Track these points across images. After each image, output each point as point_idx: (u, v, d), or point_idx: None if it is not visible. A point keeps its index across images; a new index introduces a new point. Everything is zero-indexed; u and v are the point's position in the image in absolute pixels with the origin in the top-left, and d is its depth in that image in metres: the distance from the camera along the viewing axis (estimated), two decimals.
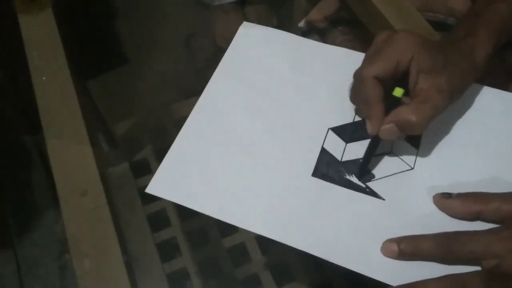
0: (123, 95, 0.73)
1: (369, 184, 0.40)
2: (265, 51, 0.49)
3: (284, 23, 0.88)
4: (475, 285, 0.33)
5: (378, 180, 0.40)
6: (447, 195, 0.38)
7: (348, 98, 0.44)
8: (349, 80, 0.44)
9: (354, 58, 0.46)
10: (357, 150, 0.42)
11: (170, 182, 0.40)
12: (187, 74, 0.77)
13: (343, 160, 0.42)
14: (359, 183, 0.40)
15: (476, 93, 0.45)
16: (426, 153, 0.42)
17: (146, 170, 0.70)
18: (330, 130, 0.43)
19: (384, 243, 0.37)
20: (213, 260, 0.62)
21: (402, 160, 0.41)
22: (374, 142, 0.40)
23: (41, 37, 0.51)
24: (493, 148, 0.42)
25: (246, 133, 0.43)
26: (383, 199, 0.39)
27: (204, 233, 0.64)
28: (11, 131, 0.87)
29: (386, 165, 0.41)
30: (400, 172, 0.41)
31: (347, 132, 0.43)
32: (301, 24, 0.70)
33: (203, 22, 0.79)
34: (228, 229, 0.64)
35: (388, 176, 0.40)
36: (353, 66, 0.42)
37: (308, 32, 0.75)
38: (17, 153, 0.91)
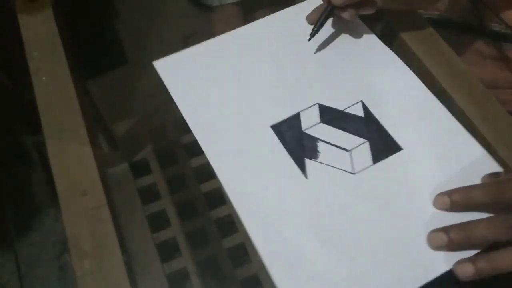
0: (123, 95, 0.73)
1: (307, 161, 0.41)
2: (193, 70, 0.48)
3: None
4: None
5: (317, 162, 0.41)
6: (496, 174, 0.38)
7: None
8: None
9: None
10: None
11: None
12: None
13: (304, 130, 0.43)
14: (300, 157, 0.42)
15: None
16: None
17: (146, 170, 0.70)
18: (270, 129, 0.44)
19: (436, 196, 0.38)
20: (213, 260, 0.62)
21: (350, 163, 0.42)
22: (327, 9, 0.46)
23: (41, 37, 0.51)
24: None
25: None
26: (306, 178, 0.41)
27: (204, 233, 0.64)
28: (11, 131, 0.87)
29: (333, 156, 0.42)
30: (340, 169, 0.41)
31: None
32: None
33: (203, 23, 0.79)
34: (228, 229, 0.64)
35: (328, 165, 0.41)
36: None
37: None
38: (17, 153, 0.91)
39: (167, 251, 0.63)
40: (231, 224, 0.64)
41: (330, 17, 0.47)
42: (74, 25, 0.60)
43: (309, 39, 0.46)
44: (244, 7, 0.81)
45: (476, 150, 0.42)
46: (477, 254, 0.35)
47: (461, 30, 0.59)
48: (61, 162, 0.43)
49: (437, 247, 0.36)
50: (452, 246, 0.35)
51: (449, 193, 0.37)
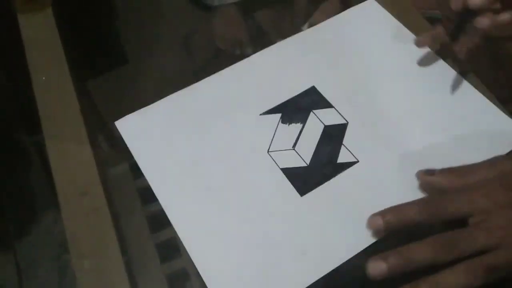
0: (123, 95, 0.72)
1: (339, 160, 0.42)
2: (161, 129, 0.47)
3: (285, 26, 0.88)
4: (462, 241, 0.33)
5: (341, 152, 0.42)
6: (431, 172, 0.38)
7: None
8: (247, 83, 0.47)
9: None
10: (308, 142, 0.43)
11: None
12: (187, 74, 0.77)
13: (309, 162, 0.42)
14: (333, 166, 0.42)
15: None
16: (342, 106, 0.45)
17: None
18: (269, 153, 0.43)
19: (368, 219, 0.36)
20: None
21: (337, 123, 0.43)
22: (463, 16, 0.41)
23: (41, 37, 0.51)
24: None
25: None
26: (358, 161, 0.42)
27: None
28: (11, 131, 0.87)
29: (333, 137, 0.43)
30: (345, 133, 0.43)
31: (283, 142, 0.43)
32: (305, 27, 0.70)
33: (203, 22, 0.79)
34: None
35: (343, 143, 0.43)
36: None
37: None
38: (17, 153, 0.91)
39: (167, 251, 0.63)
40: None
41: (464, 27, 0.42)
42: (74, 25, 0.60)
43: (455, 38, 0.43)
44: (244, 7, 0.81)
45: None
46: (419, 279, 0.33)
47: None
48: (61, 162, 0.43)
49: (377, 276, 0.33)
50: (392, 272, 0.33)
51: (382, 213, 0.36)
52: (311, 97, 0.45)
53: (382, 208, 0.37)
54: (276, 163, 0.42)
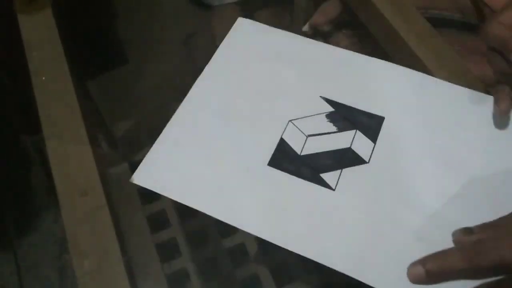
0: (123, 95, 0.73)
1: (323, 175, 0.41)
2: (257, 47, 0.50)
3: (285, 26, 0.88)
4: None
5: (333, 172, 0.41)
6: (469, 231, 0.35)
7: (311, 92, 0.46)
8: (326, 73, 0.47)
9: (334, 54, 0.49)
10: (318, 143, 0.43)
11: (155, 172, 0.43)
12: (187, 74, 0.77)
13: (302, 154, 0.42)
14: (312, 173, 0.41)
15: (432, 89, 0.46)
16: (382, 148, 0.43)
17: None
18: (290, 122, 0.44)
19: (408, 268, 0.33)
20: (213, 261, 0.62)
21: (359, 155, 0.42)
22: None
23: (40, 37, 0.51)
24: (446, 140, 0.43)
25: (223, 131, 0.44)
26: (333, 189, 0.40)
27: (204, 233, 0.64)
28: (11, 131, 0.87)
29: (343, 159, 0.42)
30: (355, 166, 0.42)
31: (307, 127, 0.44)
32: (305, 28, 0.70)
33: (203, 22, 0.79)
34: (228, 229, 0.63)
35: (344, 169, 0.42)
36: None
37: (312, 36, 0.75)
38: (17, 153, 0.91)
39: (167, 251, 0.63)
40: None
41: None
42: (74, 25, 0.60)
43: None
44: (244, 7, 0.82)
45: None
46: None
47: (462, 29, 0.59)
48: (61, 162, 0.43)
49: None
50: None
51: (423, 261, 0.32)
52: (372, 122, 0.44)
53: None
54: (283, 131, 0.43)
